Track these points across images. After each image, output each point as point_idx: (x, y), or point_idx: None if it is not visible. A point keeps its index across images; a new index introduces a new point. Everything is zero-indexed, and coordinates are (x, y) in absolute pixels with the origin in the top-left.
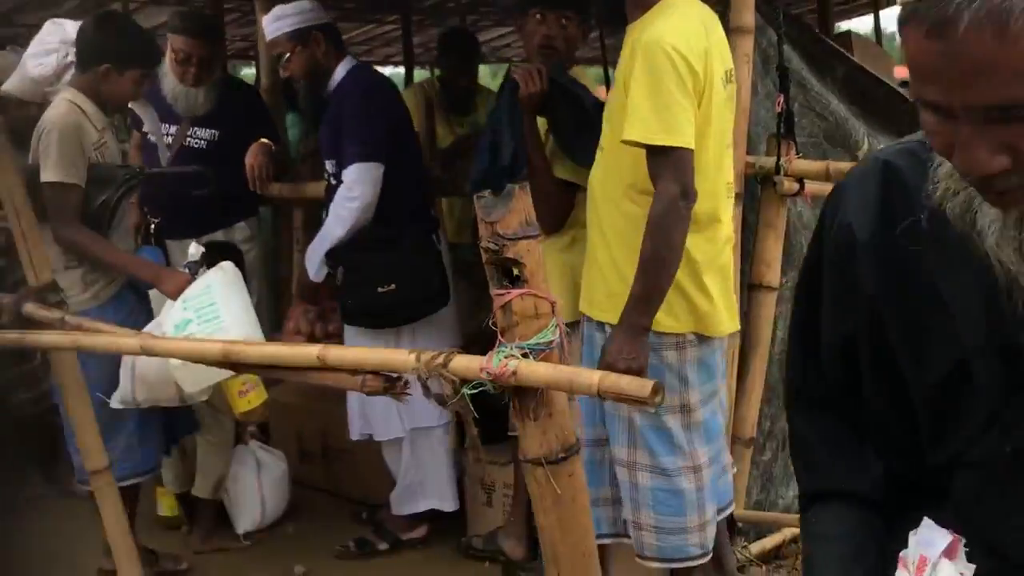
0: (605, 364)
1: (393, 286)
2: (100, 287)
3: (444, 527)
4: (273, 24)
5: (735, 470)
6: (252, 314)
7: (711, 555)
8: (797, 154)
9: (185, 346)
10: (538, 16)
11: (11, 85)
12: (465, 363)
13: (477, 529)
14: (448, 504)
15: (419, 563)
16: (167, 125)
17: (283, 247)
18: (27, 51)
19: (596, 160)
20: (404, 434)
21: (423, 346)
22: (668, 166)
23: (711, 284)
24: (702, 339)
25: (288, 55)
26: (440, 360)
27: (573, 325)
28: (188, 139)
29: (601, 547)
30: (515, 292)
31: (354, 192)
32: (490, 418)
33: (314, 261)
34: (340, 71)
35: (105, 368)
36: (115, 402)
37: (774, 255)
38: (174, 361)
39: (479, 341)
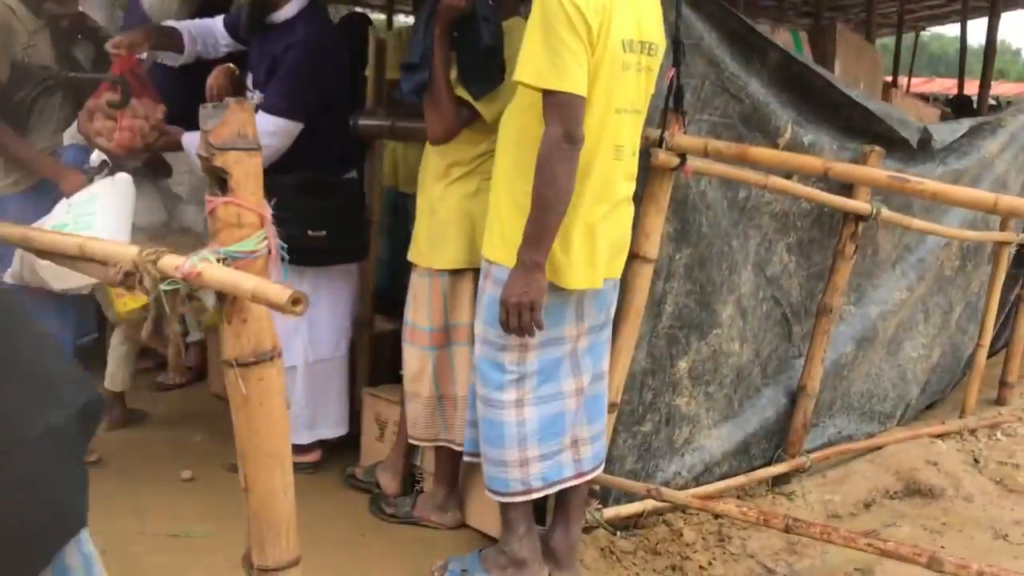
0: (501, 299)
1: (324, 233)
2: (20, 175)
3: (339, 453)
4: None
5: None
6: (126, 230)
7: (535, 494)
8: (684, 130)
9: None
10: None
11: None
12: (170, 262)
13: (368, 461)
14: (339, 430)
15: (301, 485)
16: None
17: None
18: None
19: (506, 111)
20: (299, 363)
21: (324, 290)
22: (555, 108)
23: (575, 239)
24: (552, 288)
25: None
26: (152, 257)
27: (464, 272)
28: None
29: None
30: (219, 200)
31: (265, 141)
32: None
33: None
34: (293, 7)
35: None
36: (6, 277)
37: (654, 227)
38: (40, 263)
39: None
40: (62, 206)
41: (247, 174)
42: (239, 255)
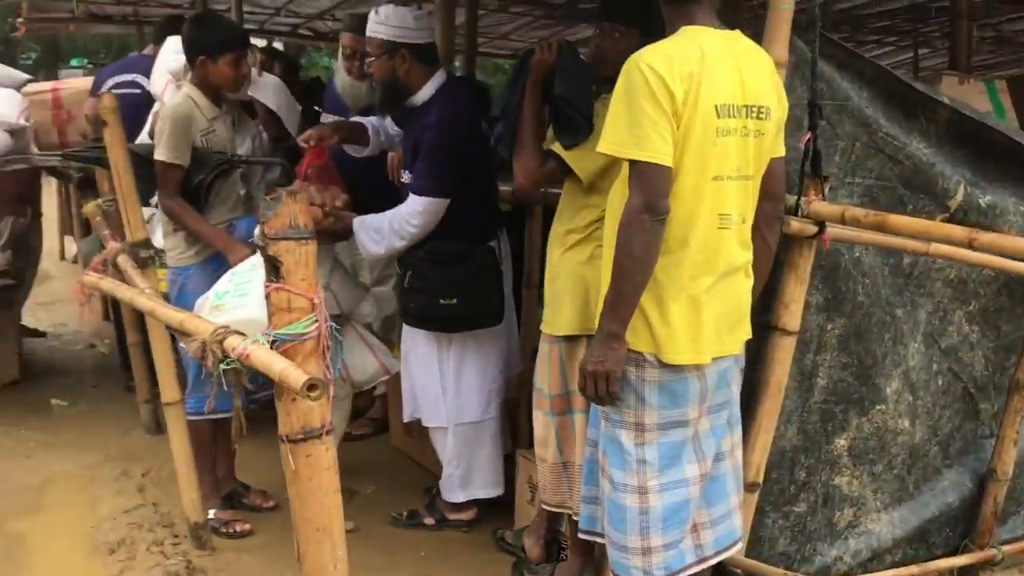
0: (580, 366)
1: (455, 300)
2: (200, 247)
3: (496, 513)
4: (372, 23)
5: None
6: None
7: None
8: (822, 196)
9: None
10: (597, 28)
11: (157, 75)
12: (232, 342)
13: (520, 523)
14: (493, 491)
15: (454, 543)
16: (337, 117)
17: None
18: (165, 46)
19: (615, 183)
20: (447, 424)
21: (471, 353)
22: (635, 178)
23: (675, 310)
24: (665, 364)
25: (374, 59)
26: (219, 336)
27: (579, 338)
28: None
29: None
30: (272, 286)
31: (414, 221)
32: None
33: (364, 241)
34: (429, 88)
35: None
36: (183, 343)
37: (793, 297)
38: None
39: None
40: (227, 275)
41: (297, 261)
42: (289, 338)
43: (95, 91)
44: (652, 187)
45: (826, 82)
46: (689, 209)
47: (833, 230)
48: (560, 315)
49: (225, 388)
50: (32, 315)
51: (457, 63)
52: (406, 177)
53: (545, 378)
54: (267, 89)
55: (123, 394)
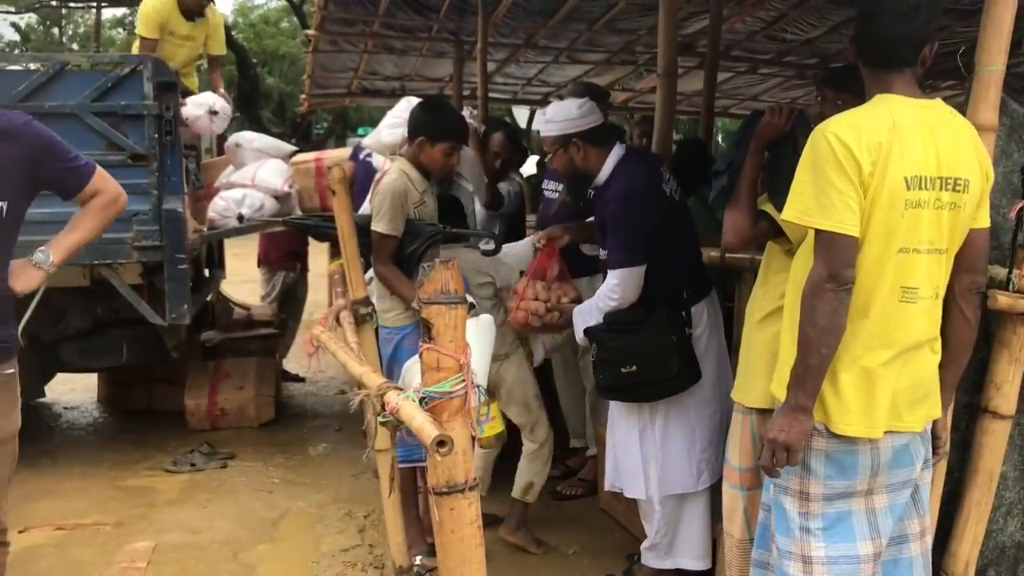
0: (763, 435)
1: (634, 367)
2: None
3: None
4: (543, 124)
5: None
6: (486, 362)
7: None
8: None
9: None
10: (819, 96)
11: (369, 142)
12: (390, 397)
13: None
14: (699, 563)
15: None
16: (555, 183)
17: None
18: (383, 120)
19: (799, 250)
20: (649, 496)
21: (674, 422)
22: (820, 246)
23: (846, 381)
24: (834, 434)
25: (551, 155)
26: (381, 391)
27: (769, 412)
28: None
29: None
30: (424, 347)
31: (616, 293)
32: None
33: (578, 323)
34: (607, 168)
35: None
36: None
37: (1006, 378)
38: None
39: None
40: None
41: (447, 324)
42: (436, 395)
43: (354, 158)
44: (837, 256)
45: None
46: (871, 280)
47: None
48: (753, 385)
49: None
50: (296, 361)
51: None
52: (602, 254)
53: (736, 450)
54: (466, 160)
55: (360, 438)
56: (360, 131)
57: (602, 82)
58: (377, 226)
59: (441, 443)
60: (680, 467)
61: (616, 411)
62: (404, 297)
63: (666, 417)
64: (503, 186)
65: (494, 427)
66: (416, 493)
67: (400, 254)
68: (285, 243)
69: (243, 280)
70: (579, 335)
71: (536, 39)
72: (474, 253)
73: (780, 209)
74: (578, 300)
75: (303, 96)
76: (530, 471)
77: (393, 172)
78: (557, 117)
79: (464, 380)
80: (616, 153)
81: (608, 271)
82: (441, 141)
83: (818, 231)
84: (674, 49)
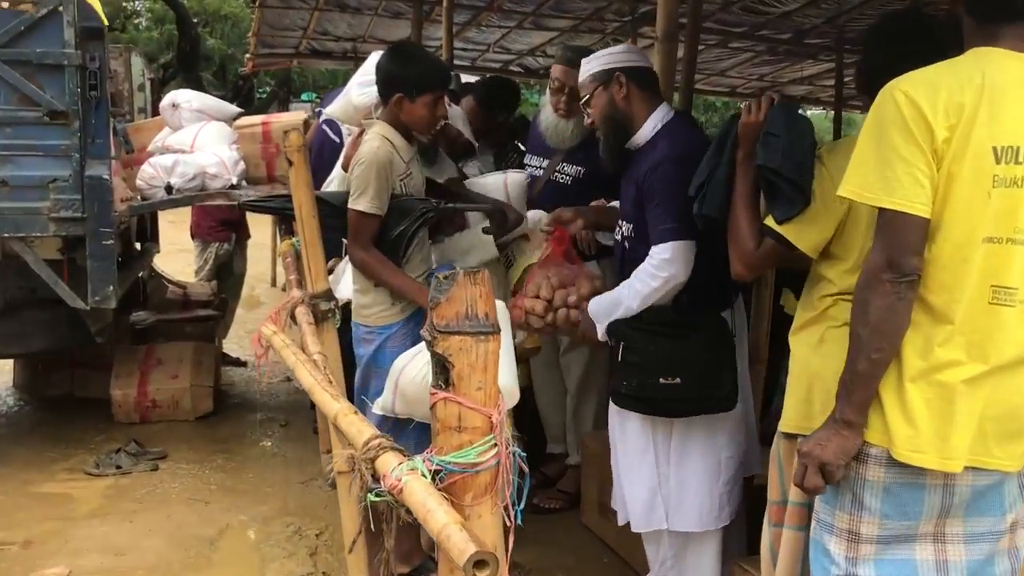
0: (797, 448)
1: (678, 379)
2: (405, 303)
3: None
4: (583, 67)
5: None
6: (510, 355)
7: None
8: None
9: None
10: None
11: (334, 110)
12: (385, 464)
13: None
14: None
15: None
16: (539, 158)
17: None
18: (352, 79)
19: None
20: (662, 528)
21: (697, 444)
22: (881, 229)
23: (916, 397)
24: (896, 462)
25: (588, 97)
26: (371, 454)
27: (795, 439)
28: (556, 173)
29: None
30: (440, 395)
31: (665, 271)
32: None
33: (599, 317)
34: (650, 124)
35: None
36: (376, 408)
37: None
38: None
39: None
40: None
41: (474, 364)
42: (457, 468)
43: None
44: (900, 241)
45: None
46: (950, 276)
47: None
48: (785, 407)
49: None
50: (237, 343)
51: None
52: (625, 229)
53: (769, 480)
54: (455, 119)
55: (309, 436)
56: (304, 96)
57: None
58: (358, 204)
59: (481, 563)
60: (699, 499)
61: (622, 428)
62: (395, 288)
63: (686, 437)
64: (472, 166)
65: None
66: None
67: (383, 238)
68: (218, 212)
69: (179, 250)
70: (600, 330)
71: (501, 1)
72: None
73: (782, 219)
74: (596, 292)
75: (248, 56)
76: None
77: (373, 139)
78: (601, 55)
79: (496, 444)
80: (663, 112)
81: (655, 247)
82: (422, 93)
83: (880, 211)
84: (675, 11)
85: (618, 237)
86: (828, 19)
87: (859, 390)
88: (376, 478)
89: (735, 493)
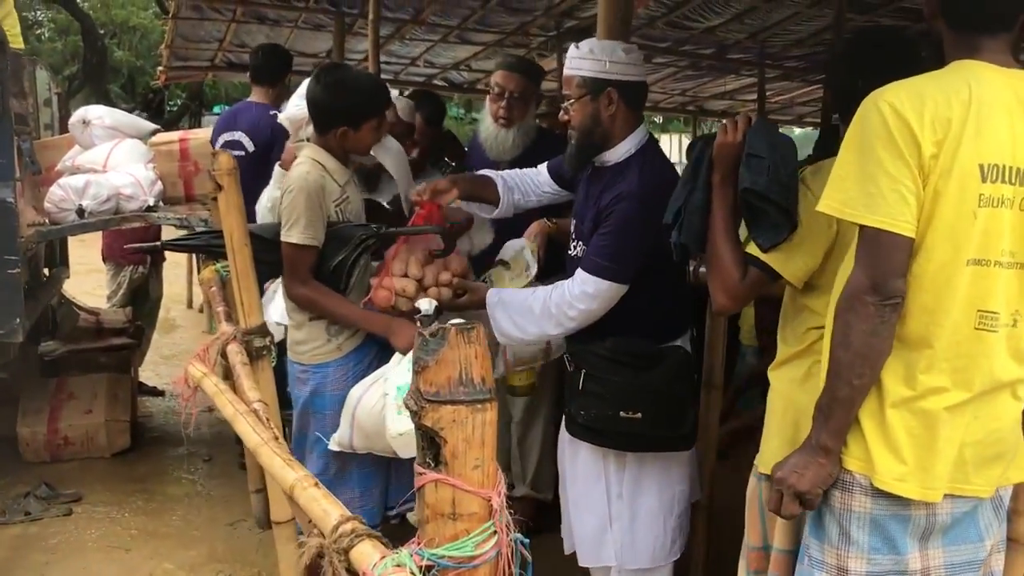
0: (772, 471)
1: (639, 414)
2: (343, 339)
3: None
4: (573, 60)
5: None
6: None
7: None
8: None
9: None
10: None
11: (283, 118)
12: (366, 552)
13: None
14: None
15: None
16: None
17: None
18: (297, 90)
19: (844, 264)
20: (613, 565)
21: (651, 478)
22: (863, 248)
23: (898, 424)
24: (879, 491)
25: (572, 100)
26: (343, 543)
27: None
28: None
29: None
30: (429, 476)
31: (581, 304)
32: None
33: (502, 323)
34: (628, 144)
35: (335, 420)
36: (333, 444)
37: None
38: (391, 430)
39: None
40: (397, 362)
41: (469, 439)
42: (450, 564)
43: (214, 142)
44: (883, 261)
45: None
46: (933, 299)
47: None
48: (766, 446)
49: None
50: (153, 369)
51: None
52: (576, 249)
53: (747, 523)
54: (389, 152)
55: (236, 472)
56: (216, 108)
57: (490, 65)
58: (290, 236)
59: None
60: (652, 535)
61: (573, 457)
62: (342, 319)
63: (640, 471)
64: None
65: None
66: None
67: (321, 268)
68: (132, 235)
69: (89, 270)
70: (504, 332)
71: (425, 15)
72: None
73: (768, 247)
74: (464, 275)
75: (160, 68)
76: None
77: (303, 163)
78: (597, 54)
79: (496, 532)
80: (640, 134)
81: (581, 273)
82: (365, 120)
83: (862, 228)
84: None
85: (572, 253)
86: (751, 34)
87: (838, 416)
88: (352, 573)
89: (686, 524)
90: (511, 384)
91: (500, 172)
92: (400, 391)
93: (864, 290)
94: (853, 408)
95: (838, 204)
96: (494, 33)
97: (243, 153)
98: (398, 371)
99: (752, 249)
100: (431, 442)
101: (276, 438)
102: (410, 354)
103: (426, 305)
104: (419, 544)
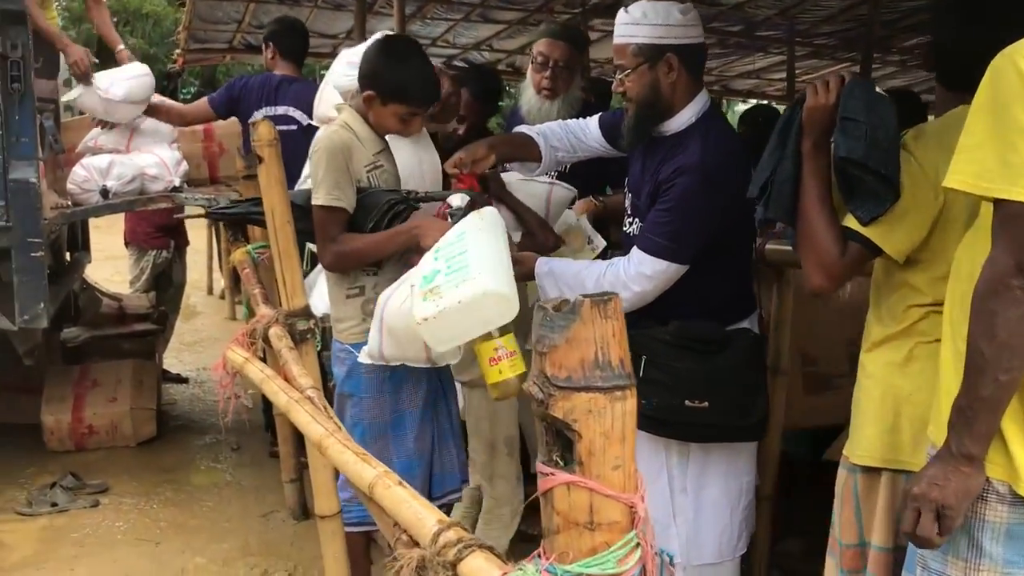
0: (905, 490)
1: (706, 404)
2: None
3: None
4: (625, 26)
5: None
6: (505, 262)
7: None
8: None
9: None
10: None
11: (332, 87)
12: (480, 568)
13: None
14: None
15: None
16: None
17: None
18: (341, 58)
19: (963, 240)
20: (676, 559)
21: (717, 469)
22: (1005, 226)
23: None
24: (1020, 499)
25: (628, 71)
26: (451, 554)
27: (879, 472)
28: None
29: None
30: (560, 478)
31: (639, 286)
32: None
33: (550, 290)
34: (688, 112)
35: (368, 405)
36: (363, 356)
37: None
38: (416, 315)
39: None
40: (427, 257)
41: (609, 433)
42: None
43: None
44: None
45: None
46: None
47: None
48: (859, 435)
49: None
50: (176, 356)
51: None
52: (632, 226)
53: (838, 517)
54: (406, 149)
55: (267, 461)
56: None
57: (514, 45)
58: (318, 197)
59: None
60: (718, 528)
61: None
62: (377, 250)
63: (705, 462)
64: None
65: (517, 365)
66: (369, 565)
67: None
68: (155, 217)
69: (106, 256)
70: (548, 293)
71: None
72: None
73: (868, 220)
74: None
75: (178, 52)
76: (486, 536)
77: (333, 124)
78: (651, 18)
79: (640, 544)
80: (702, 100)
81: (638, 252)
82: (394, 102)
83: (1000, 203)
84: None
85: (627, 230)
86: (780, 11)
87: (983, 418)
88: None
89: (752, 517)
90: None
91: (540, 127)
92: (425, 280)
93: (1009, 273)
94: (1000, 407)
95: (971, 178)
96: (517, 11)
97: (295, 128)
98: (422, 265)
99: (850, 222)
100: (561, 438)
101: (340, 427)
102: (440, 242)
103: (458, 200)
104: (548, 559)
